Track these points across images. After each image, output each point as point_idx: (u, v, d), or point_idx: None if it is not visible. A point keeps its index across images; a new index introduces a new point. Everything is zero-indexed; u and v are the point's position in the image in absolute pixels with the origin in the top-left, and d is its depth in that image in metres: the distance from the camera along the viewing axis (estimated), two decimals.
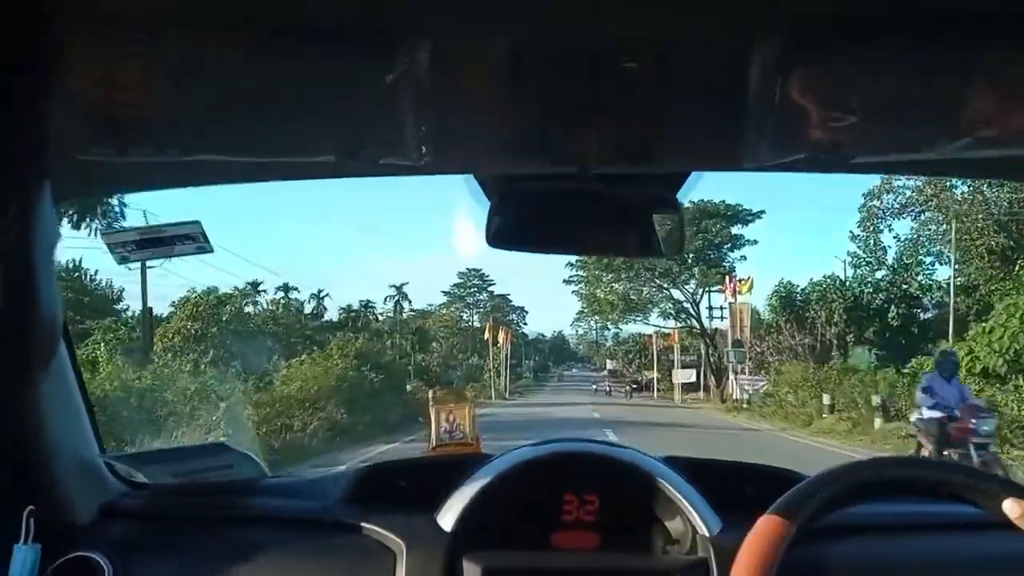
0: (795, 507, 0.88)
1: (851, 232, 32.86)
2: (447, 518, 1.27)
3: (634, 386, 47.50)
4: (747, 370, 32.72)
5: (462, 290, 73.44)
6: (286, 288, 46.54)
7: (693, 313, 43.16)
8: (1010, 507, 0.84)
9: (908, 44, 0.74)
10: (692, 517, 1.26)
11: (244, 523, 1.36)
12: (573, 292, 47.65)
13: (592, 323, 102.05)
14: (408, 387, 27.83)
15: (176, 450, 1.57)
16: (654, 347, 48.26)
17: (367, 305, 54.44)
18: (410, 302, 60.65)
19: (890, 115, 0.85)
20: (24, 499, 1.25)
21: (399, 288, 61.68)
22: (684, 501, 1.27)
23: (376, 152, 0.97)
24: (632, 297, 44.27)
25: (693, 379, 41.72)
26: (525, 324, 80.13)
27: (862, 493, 0.92)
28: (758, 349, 33.60)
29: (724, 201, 40.31)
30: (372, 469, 1.46)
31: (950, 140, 0.86)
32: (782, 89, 0.79)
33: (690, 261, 40.14)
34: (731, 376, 33.63)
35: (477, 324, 45.62)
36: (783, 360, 31.10)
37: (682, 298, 43.93)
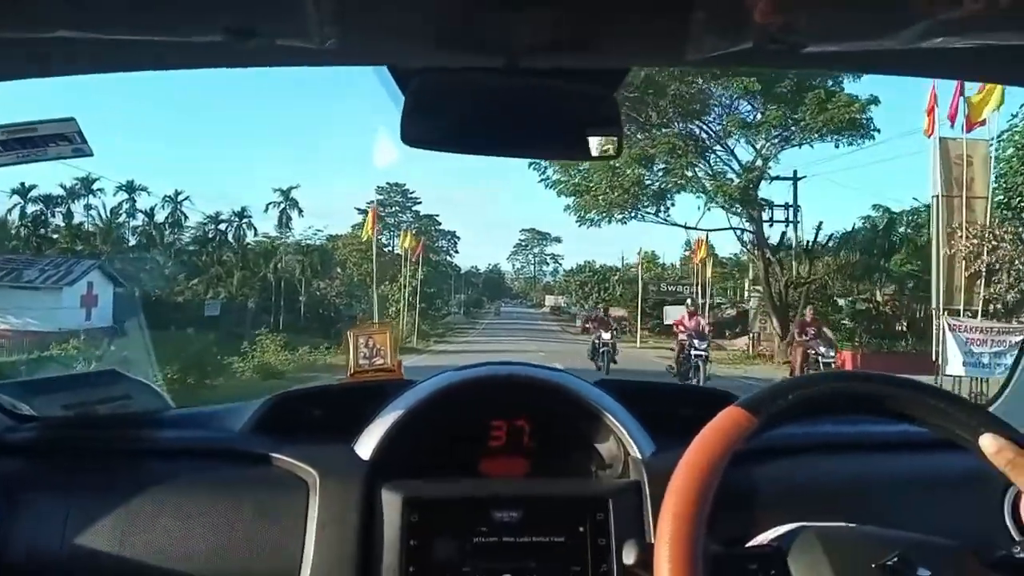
0: (760, 405, 0.88)
1: None
2: (365, 446, 1.26)
3: (588, 326, 32.01)
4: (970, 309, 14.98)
5: (381, 208, 62.36)
6: (131, 188, 37.56)
7: (747, 198, 25.15)
8: (988, 442, 0.84)
9: None
10: (624, 439, 1.28)
11: (143, 456, 1.32)
12: (542, 180, 27.41)
13: (530, 257, 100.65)
14: None
15: (66, 378, 1.51)
16: (640, 271, 37.65)
17: (241, 214, 41.96)
18: (302, 213, 48.50)
19: None
20: None
21: (286, 193, 47.77)
22: (616, 423, 1.29)
23: (272, 32, 0.90)
24: (653, 171, 26.01)
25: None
26: (456, 253, 74.55)
27: (835, 403, 0.91)
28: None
29: None
30: (283, 397, 1.43)
31: (912, 28, 0.82)
32: None
33: (780, 90, 23.55)
34: (944, 323, 14.15)
35: (400, 251, 36.36)
36: None
37: (729, 174, 25.90)
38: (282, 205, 47.84)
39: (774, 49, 0.91)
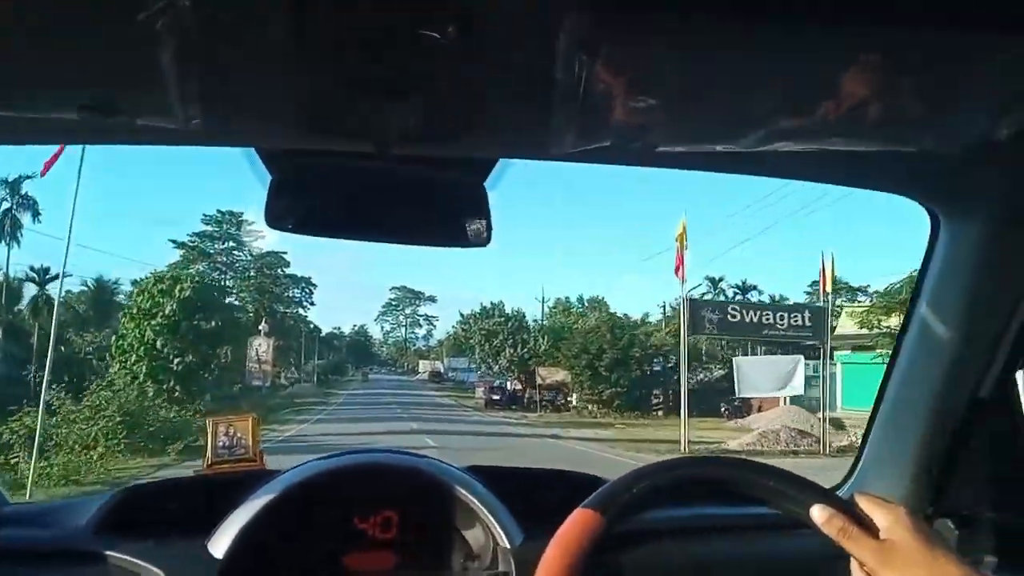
0: (607, 503, 0.92)
1: None
2: (220, 543, 1.24)
3: (495, 397, 26.24)
4: None
5: (204, 241, 50.90)
6: None
7: None
8: (817, 513, 0.91)
9: (717, 26, 0.77)
10: (493, 528, 1.31)
11: None
12: None
13: (401, 318, 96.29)
14: None
15: None
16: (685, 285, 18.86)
17: None
18: (38, 217, 34.74)
19: (696, 103, 0.90)
20: None
21: (13, 185, 32.63)
22: (484, 511, 1.31)
23: (133, 110, 0.89)
24: None
25: (797, 390, 17.94)
26: (311, 305, 60.57)
27: (676, 491, 0.97)
28: None
29: None
30: (133, 491, 1.38)
31: (762, 132, 0.91)
32: (588, 69, 0.81)
33: None
34: None
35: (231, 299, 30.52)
36: None
37: None
38: (5, 204, 30.37)
39: (632, 148, 1.00)
